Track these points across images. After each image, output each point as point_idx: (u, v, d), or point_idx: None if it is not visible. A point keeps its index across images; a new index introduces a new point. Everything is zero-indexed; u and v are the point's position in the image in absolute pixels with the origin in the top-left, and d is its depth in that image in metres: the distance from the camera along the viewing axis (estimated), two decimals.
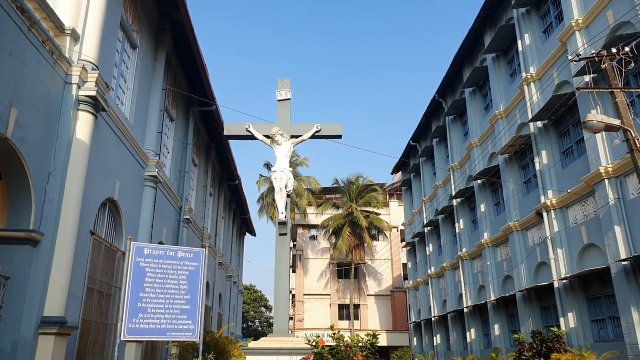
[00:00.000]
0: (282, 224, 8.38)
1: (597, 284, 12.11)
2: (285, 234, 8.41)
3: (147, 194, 13.03)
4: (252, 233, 37.75)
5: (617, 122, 8.19)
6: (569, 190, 12.60)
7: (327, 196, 40.53)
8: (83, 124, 8.86)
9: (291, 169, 8.74)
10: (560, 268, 13.12)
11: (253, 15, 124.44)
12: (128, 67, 12.42)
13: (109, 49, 10.52)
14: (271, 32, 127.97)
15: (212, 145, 21.96)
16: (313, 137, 9.05)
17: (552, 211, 13.53)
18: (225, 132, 9.14)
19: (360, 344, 6.45)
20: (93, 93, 8.89)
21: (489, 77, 18.24)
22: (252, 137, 9.02)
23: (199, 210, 20.04)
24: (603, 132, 11.26)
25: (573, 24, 12.18)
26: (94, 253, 9.86)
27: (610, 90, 8.48)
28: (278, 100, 9.26)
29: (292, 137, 8.92)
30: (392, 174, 33.69)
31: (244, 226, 35.47)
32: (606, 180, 11.05)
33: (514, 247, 15.89)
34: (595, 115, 8.15)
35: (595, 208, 11.87)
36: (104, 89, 9.40)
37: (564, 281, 12.86)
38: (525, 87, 14.85)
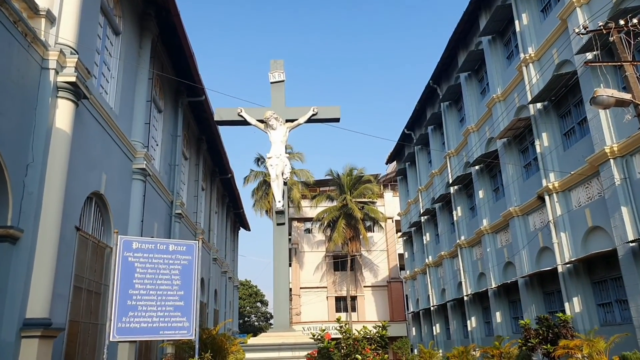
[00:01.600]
0: (280, 213, 7.92)
1: (602, 267, 11.81)
2: (283, 224, 7.96)
3: (136, 188, 12.47)
4: (247, 228, 37.24)
5: (628, 96, 7.80)
6: (571, 172, 12.26)
7: (321, 189, 40.12)
8: (63, 112, 8.29)
9: (287, 155, 8.27)
10: (564, 252, 12.81)
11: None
12: (111, 55, 11.82)
13: (89, 34, 9.93)
14: (261, 18, 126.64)
15: (202, 138, 21.37)
16: (310, 121, 8.58)
17: (554, 194, 13.19)
18: (216, 118, 8.64)
19: (368, 337, 6.02)
20: (73, 79, 8.31)
21: (485, 60, 17.84)
22: (244, 122, 8.52)
23: (191, 205, 19.50)
24: (607, 112, 10.93)
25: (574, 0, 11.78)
26: (81, 250, 9.34)
27: (619, 63, 8.08)
28: (271, 83, 8.77)
29: (287, 121, 8.45)
30: (386, 163, 33.33)
31: (238, 221, 34.95)
32: (611, 160, 10.70)
33: (514, 233, 15.57)
34: (606, 90, 7.76)
35: (599, 189, 11.54)
36: (85, 75, 8.82)
37: (568, 265, 12.55)
38: (524, 68, 14.46)
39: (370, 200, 36.00)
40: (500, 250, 17.23)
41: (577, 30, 8.67)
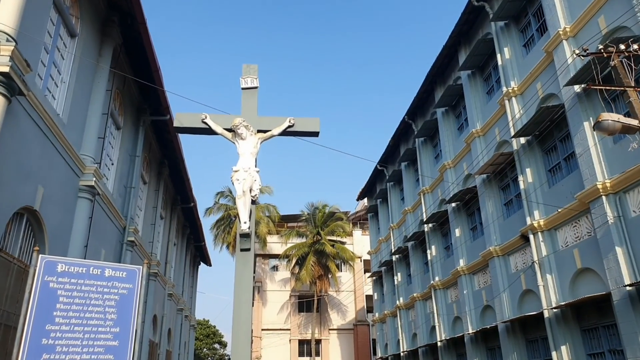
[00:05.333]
0: (245, 236, 6.68)
1: (593, 313, 10.94)
2: (249, 250, 6.71)
3: (82, 207, 10.93)
4: (208, 262, 35.13)
5: (635, 122, 7.16)
6: (559, 209, 11.57)
7: (289, 224, 38.77)
8: None
9: (257, 170, 7.13)
10: (550, 296, 11.92)
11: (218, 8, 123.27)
12: (64, 57, 10.56)
13: (35, 26, 8.69)
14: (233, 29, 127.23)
15: (165, 162, 19.90)
16: (285, 133, 7.53)
17: (539, 233, 12.45)
18: (176, 124, 7.45)
19: None
20: (6, 69, 7.01)
21: (463, 95, 17.49)
22: (209, 131, 7.36)
23: (147, 233, 17.81)
24: (599, 146, 10.41)
25: (560, 32, 11.48)
26: (0, 275, 7.72)
27: (623, 88, 7.50)
28: (243, 89, 7.71)
29: (259, 131, 7.38)
30: (357, 200, 32.46)
31: (199, 255, 32.89)
32: (604, 197, 10.06)
33: (494, 274, 14.68)
34: (611, 115, 7.10)
35: (589, 228, 10.84)
36: (24, 69, 7.54)
37: (555, 310, 11.64)
38: (507, 102, 14.03)
39: (340, 240, 34.94)
40: (478, 292, 16.27)
41: (577, 52, 8.12)
